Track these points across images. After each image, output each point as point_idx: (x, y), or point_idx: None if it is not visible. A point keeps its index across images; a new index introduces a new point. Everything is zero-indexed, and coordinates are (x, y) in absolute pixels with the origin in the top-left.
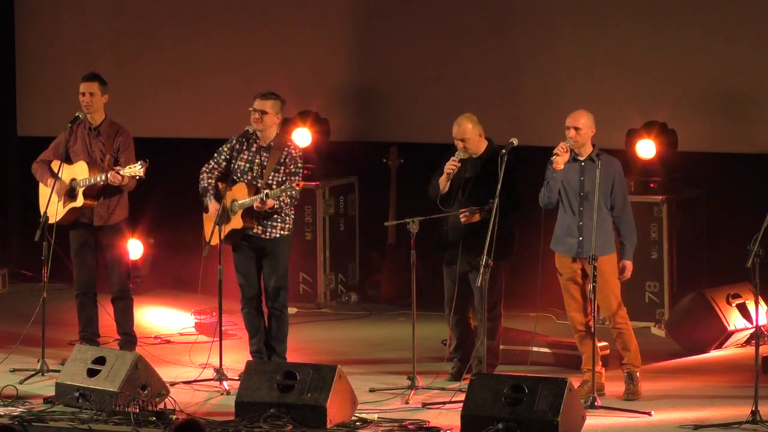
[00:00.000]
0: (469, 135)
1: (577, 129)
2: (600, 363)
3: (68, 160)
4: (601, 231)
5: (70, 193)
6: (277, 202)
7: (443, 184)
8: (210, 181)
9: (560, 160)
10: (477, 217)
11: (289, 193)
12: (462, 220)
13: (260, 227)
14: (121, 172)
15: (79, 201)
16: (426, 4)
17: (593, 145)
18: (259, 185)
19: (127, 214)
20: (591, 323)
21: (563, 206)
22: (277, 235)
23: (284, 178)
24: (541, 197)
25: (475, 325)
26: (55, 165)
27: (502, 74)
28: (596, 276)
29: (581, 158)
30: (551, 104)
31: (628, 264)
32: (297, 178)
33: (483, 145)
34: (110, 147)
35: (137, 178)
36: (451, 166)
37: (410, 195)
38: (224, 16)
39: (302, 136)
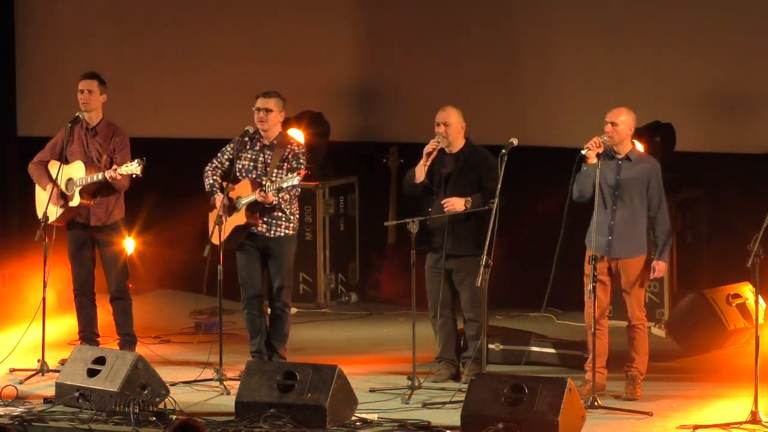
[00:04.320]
0: (453, 120)
1: (614, 124)
2: (604, 363)
3: (65, 160)
4: (631, 232)
5: (65, 194)
6: (277, 198)
7: (421, 170)
8: (215, 177)
9: (591, 154)
10: (461, 206)
11: (290, 183)
12: (447, 209)
13: (265, 225)
14: (119, 171)
15: (75, 200)
16: (426, 4)
17: (633, 143)
18: (263, 183)
19: (124, 213)
20: (605, 323)
21: (598, 203)
22: (282, 234)
23: (287, 175)
24: (573, 190)
25: (461, 327)
26: (52, 165)
27: (502, 74)
28: (596, 276)
29: (619, 156)
30: (551, 104)
31: (660, 265)
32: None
33: (462, 141)
34: (107, 147)
35: (134, 176)
36: (431, 146)
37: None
38: (224, 16)
39: (300, 136)
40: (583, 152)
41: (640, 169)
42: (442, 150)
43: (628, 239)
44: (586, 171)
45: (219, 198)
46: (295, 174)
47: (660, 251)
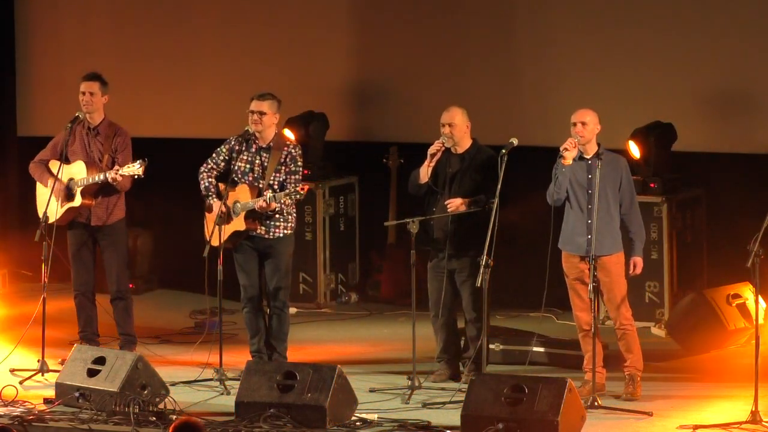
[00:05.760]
0: (458, 121)
1: (584, 124)
2: (601, 363)
3: (66, 159)
4: (608, 230)
5: (67, 193)
6: (279, 204)
7: (425, 171)
8: (211, 180)
9: (569, 155)
10: (463, 207)
11: (293, 198)
12: (449, 209)
13: (263, 227)
14: (121, 172)
15: (77, 201)
16: (427, 5)
17: (598, 144)
18: (260, 186)
19: (125, 213)
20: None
21: (571, 205)
22: (281, 235)
23: (285, 178)
24: (549, 194)
25: (461, 326)
26: (53, 165)
27: (502, 74)
28: (596, 276)
29: (587, 156)
30: (551, 104)
31: (638, 260)
32: (297, 176)
33: (468, 141)
34: (108, 147)
35: (135, 177)
36: (435, 147)
37: (410, 195)
38: (224, 16)
39: (291, 136)
40: (562, 152)
41: (612, 167)
42: (448, 150)
43: (605, 237)
44: (564, 172)
45: (216, 204)
46: (298, 188)
47: (636, 247)
